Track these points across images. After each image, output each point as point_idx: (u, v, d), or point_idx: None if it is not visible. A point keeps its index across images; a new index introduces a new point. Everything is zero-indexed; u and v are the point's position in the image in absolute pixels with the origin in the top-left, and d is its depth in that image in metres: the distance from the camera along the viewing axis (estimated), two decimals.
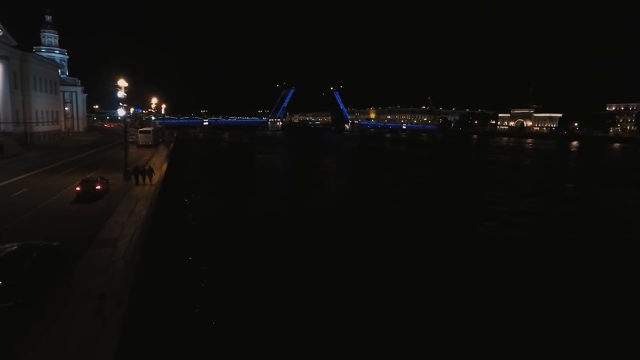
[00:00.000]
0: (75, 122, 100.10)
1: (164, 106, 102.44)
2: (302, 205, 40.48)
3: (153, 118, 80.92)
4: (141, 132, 64.95)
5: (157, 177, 32.24)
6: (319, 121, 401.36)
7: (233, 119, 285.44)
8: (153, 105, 65.10)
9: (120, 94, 30.38)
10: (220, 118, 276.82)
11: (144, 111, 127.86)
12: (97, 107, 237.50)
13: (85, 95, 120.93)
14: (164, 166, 37.24)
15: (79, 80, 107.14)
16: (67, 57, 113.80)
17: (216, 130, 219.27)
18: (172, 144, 63.44)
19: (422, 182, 58.87)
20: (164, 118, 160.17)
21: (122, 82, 29.90)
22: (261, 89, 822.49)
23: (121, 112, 31.18)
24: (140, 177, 29.95)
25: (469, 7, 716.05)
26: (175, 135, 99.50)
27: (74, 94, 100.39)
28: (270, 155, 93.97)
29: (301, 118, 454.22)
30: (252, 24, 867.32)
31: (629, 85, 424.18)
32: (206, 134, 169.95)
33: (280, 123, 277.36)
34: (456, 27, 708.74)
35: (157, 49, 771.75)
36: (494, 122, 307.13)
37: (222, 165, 70.15)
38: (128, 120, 36.01)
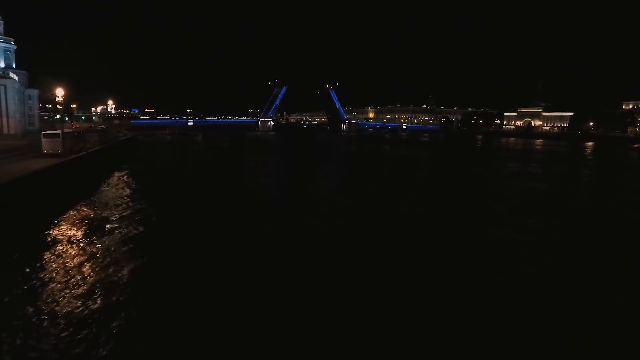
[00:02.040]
0: (5, 122, 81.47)
1: (110, 102, 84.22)
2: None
3: (108, 114, 62.53)
4: (46, 135, 46.47)
5: None
6: (316, 121, 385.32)
7: (227, 118, 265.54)
8: (59, 99, 45.94)
9: None
10: (212, 118, 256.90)
11: (123, 109, 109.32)
12: (74, 106, 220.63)
13: (37, 91, 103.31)
14: None
15: (26, 74, 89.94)
16: (15, 46, 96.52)
17: (201, 130, 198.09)
18: (84, 152, 45.13)
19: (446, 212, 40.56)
20: (138, 117, 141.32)
21: None
22: (254, 88, 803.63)
23: None
24: None
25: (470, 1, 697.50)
26: (127, 137, 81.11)
27: (2, 87, 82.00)
28: (256, 163, 75.60)
29: (298, 118, 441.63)
30: (249, 22, 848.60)
31: None
32: (175, 136, 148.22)
33: (272, 123, 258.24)
34: (456, 22, 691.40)
35: (146, 45, 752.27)
36: (498, 121, 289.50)
37: (141, 201, 41.26)
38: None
